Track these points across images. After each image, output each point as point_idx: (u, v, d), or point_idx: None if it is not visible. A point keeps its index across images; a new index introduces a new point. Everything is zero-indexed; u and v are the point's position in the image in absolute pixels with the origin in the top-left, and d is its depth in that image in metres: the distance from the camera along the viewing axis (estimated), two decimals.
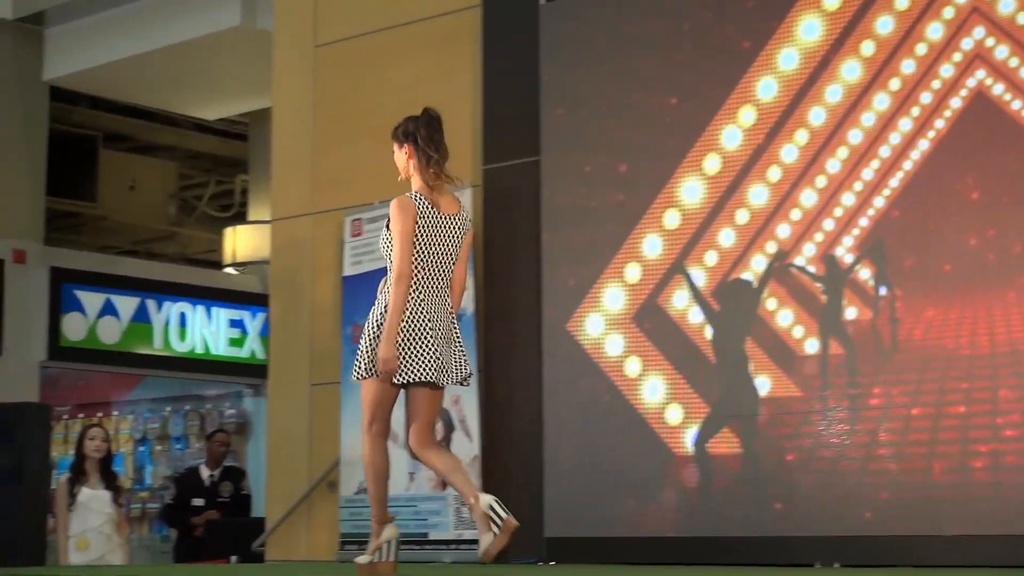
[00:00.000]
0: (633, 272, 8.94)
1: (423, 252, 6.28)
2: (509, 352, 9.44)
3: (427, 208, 6.33)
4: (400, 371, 6.23)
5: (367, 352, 6.32)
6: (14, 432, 8.20)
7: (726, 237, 8.63)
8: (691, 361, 8.65)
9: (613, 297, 8.98)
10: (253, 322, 16.61)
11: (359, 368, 6.36)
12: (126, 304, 15.62)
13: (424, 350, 6.24)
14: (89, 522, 9.59)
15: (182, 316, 16.10)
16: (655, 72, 9.02)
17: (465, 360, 6.44)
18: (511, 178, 9.58)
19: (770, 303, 8.44)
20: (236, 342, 16.50)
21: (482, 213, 9.60)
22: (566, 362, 9.09)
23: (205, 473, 12.52)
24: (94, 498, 9.61)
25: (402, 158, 6.51)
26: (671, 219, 8.84)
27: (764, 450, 8.35)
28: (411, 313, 6.22)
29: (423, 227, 6.29)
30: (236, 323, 16.56)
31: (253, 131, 17.54)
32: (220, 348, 16.38)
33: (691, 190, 8.78)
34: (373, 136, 10.41)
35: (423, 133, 6.45)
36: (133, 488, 17.30)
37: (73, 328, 15.21)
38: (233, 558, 10.89)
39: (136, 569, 8.45)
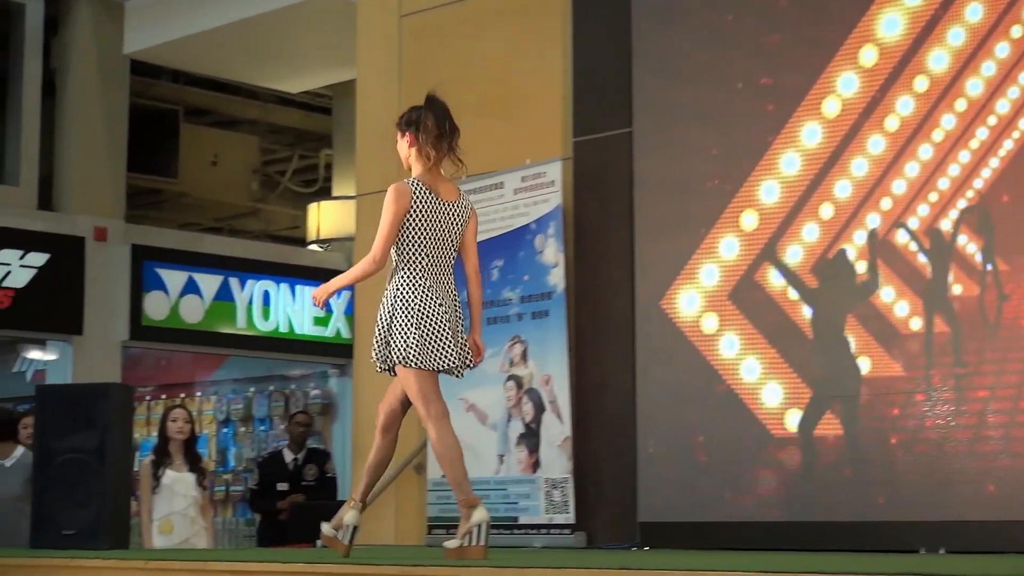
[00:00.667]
0: (729, 247, 8.92)
1: (424, 238, 6.43)
2: (600, 331, 9.46)
3: (426, 194, 6.47)
4: (433, 358, 6.36)
5: (383, 342, 6.42)
6: (96, 414, 8.29)
7: (826, 210, 8.59)
8: (790, 339, 8.63)
9: (708, 273, 8.98)
10: (338, 300, 16.70)
11: (380, 358, 6.45)
12: (209, 282, 15.78)
13: (443, 338, 6.37)
14: (173, 505, 9.71)
15: (265, 294, 16.25)
16: (752, 37, 8.99)
17: (468, 352, 6.53)
18: (602, 150, 9.58)
19: (872, 279, 8.40)
20: (321, 321, 16.62)
21: (572, 187, 9.62)
22: (660, 341, 9.10)
23: (289, 456, 12.61)
24: (178, 480, 9.72)
25: (403, 147, 6.67)
26: (769, 192, 8.82)
27: (866, 432, 8.32)
28: (422, 300, 6.36)
29: (423, 213, 6.44)
30: None
31: (337, 104, 17.66)
32: (304, 327, 16.51)
33: (790, 161, 8.75)
34: (459, 108, 10.38)
35: (425, 121, 6.59)
36: (217, 470, 17.50)
37: (155, 307, 15.39)
38: (318, 542, 10.99)
39: (221, 553, 8.57)
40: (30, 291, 14.47)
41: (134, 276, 15.19)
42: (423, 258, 6.42)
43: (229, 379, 18.18)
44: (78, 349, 14.91)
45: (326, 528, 6.74)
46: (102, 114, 15.38)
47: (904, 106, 8.39)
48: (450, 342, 6.40)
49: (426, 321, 6.36)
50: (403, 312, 6.38)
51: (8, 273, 14.37)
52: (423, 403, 6.45)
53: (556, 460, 9.28)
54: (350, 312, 16.03)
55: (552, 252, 9.50)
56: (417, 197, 6.44)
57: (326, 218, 16.80)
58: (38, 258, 14.57)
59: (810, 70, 8.69)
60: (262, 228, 19.72)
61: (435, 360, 6.39)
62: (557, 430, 9.28)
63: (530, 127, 10.00)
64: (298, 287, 16.49)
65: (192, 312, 15.66)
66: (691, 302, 9.03)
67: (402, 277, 6.43)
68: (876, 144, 8.46)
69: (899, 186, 8.35)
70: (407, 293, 6.40)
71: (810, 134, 8.69)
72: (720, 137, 9.01)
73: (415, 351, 6.35)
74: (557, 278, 9.44)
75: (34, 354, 16.05)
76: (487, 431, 9.69)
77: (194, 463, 9.89)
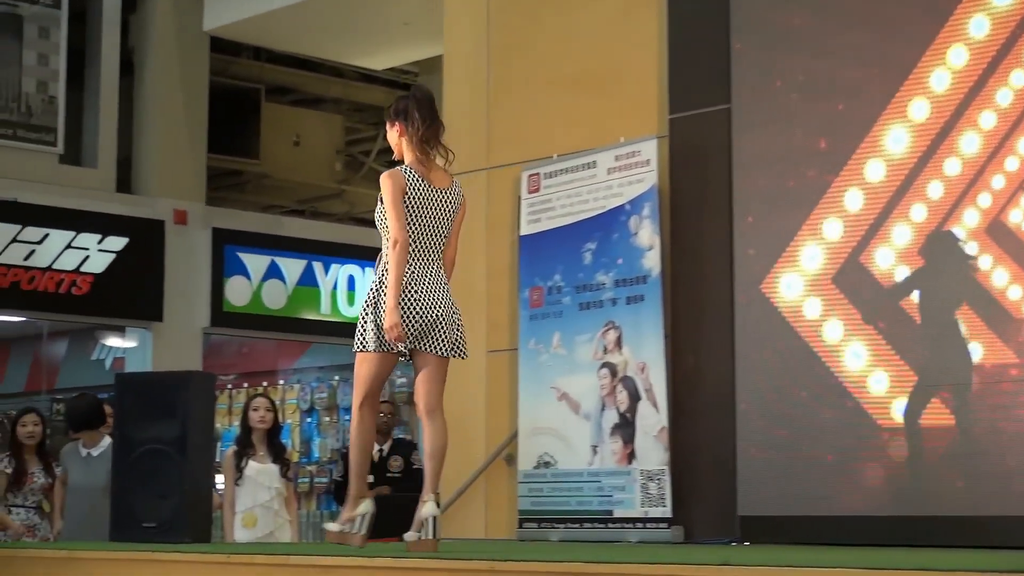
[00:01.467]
0: (833, 228, 8.88)
1: (414, 225, 6.78)
2: (698, 316, 9.45)
3: (418, 181, 6.81)
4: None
5: (371, 324, 6.78)
6: (176, 403, 8.38)
7: (935, 189, 8.53)
8: (897, 325, 8.58)
9: (811, 255, 8.94)
10: None
11: (363, 341, 6.83)
12: (292, 267, 15.91)
13: (411, 319, 6.74)
14: (257, 497, 9.79)
15: (350, 279, 16.36)
16: (857, 6, 8.93)
17: (461, 338, 6.99)
18: (700, 127, 9.55)
19: (984, 261, 8.33)
20: None
21: (668, 166, 9.60)
22: (760, 326, 9.07)
23: (374, 447, 12.69)
24: (262, 472, 9.80)
25: (394, 136, 6.99)
26: (875, 170, 8.76)
27: (977, 422, 8.26)
28: (406, 284, 6.73)
29: (414, 200, 6.79)
30: None
31: (423, 81, 17.71)
32: None
33: (896, 138, 8.69)
34: (552, 84, 10.47)
35: (414, 111, 6.92)
36: (300, 461, 17.62)
37: (237, 293, 15.55)
38: (409, 535, 11.05)
39: (305, 547, 8.66)
40: (109, 276, 14.67)
41: (215, 260, 15.35)
42: (412, 244, 6.77)
43: (313, 367, 18.30)
44: (158, 336, 15.10)
45: (332, 526, 7.13)
46: (181, 93, 15.55)
47: (1018, 79, 8.30)
48: (415, 325, 6.73)
49: (405, 307, 6.70)
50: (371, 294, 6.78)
51: (86, 258, 14.58)
52: (365, 389, 6.92)
53: (652, 451, 9.29)
54: None
55: (647, 234, 9.49)
56: (409, 184, 6.79)
57: None
58: (117, 242, 14.77)
59: (919, 41, 8.61)
60: (346, 210, 19.82)
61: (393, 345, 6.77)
62: (653, 419, 9.29)
63: (624, 104, 10.00)
64: None
65: (275, 297, 15.80)
66: (793, 286, 9.00)
67: (389, 262, 6.77)
68: (987, 120, 8.38)
69: (1012, 164, 8.26)
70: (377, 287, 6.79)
71: (918, 109, 8.62)
72: (823, 112, 8.96)
73: (373, 334, 6.75)
74: (652, 261, 9.43)
75: (113, 341, 16.28)
76: (580, 421, 9.71)
77: (277, 454, 9.96)
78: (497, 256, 10.58)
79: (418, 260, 6.78)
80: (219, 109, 16.28)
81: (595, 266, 9.77)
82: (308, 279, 16.05)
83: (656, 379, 9.31)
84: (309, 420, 18.03)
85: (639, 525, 9.29)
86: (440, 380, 7.02)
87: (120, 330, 15.63)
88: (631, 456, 9.40)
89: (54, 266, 14.48)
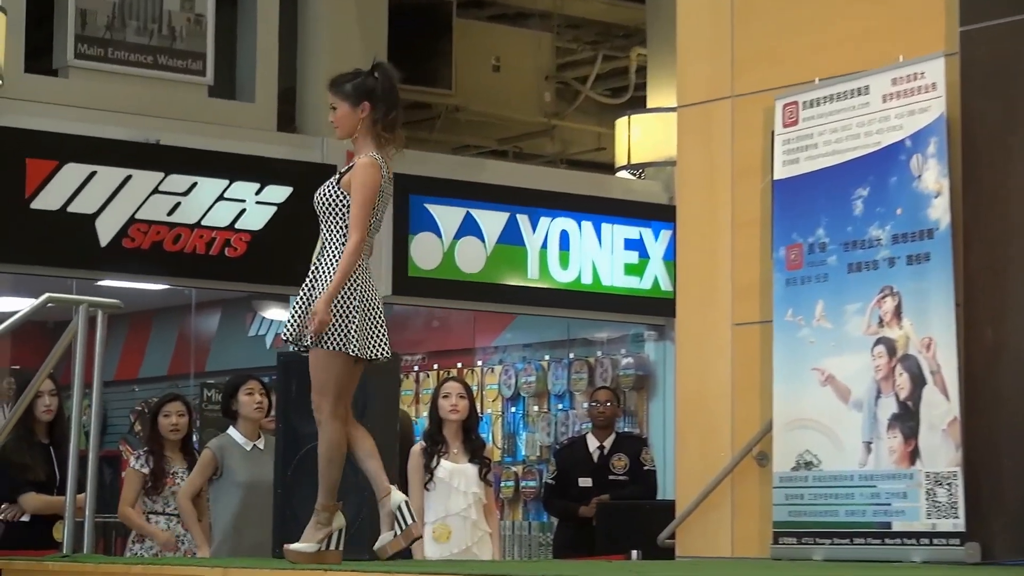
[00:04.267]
0: None
1: (372, 219, 7.80)
2: (1000, 278, 9.34)
3: (384, 171, 7.85)
4: (365, 345, 7.76)
5: (355, 323, 7.76)
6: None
7: None
8: None
9: None
10: (656, 243, 16.83)
11: (344, 340, 7.75)
12: (491, 221, 16.01)
13: (373, 323, 7.87)
14: (451, 505, 9.87)
15: (563, 236, 16.42)
16: None
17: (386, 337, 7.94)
18: (1000, 42, 9.42)
19: None
20: (634, 269, 16.75)
21: (959, 89, 9.48)
22: None
23: (593, 444, 12.74)
24: (456, 473, 9.88)
25: (353, 116, 7.99)
26: None
27: None
28: (363, 284, 7.78)
29: (381, 194, 7.82)
30: (634, 244, 16.80)
31: None
32: (613, 277, 16.66)
33: None
34: None
35: (381, 90, 7.97)
36: (503, 461, 17.78)
37: (424, 253, 15.70)
38: (633, 553, 11.11)
39: (509, 566, 8.75)
40: (269, 235, 14.88)
41: (397, 214, 15.49)
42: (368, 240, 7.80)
43: (517, 344, 18.44)
44: None
45: (305, 547, 7.82)
46: (355, 11, 15.74)
47: None
48: (382, 329, 7.87)
49: (365, 304, 7.76)
50: (345, 292, 7.71)
51: (242, 211, 14.80)
52: (336, 395, 7.74)
53: (941, 449, 9.21)
54: (670, 258, 16.11)
55: (933, 177, 9.40)
56: (384, 177, 7.84)
57: (639, 137, 16.84)
58: (278, 192, 14.97)
59: None
60: (558, 151, 19.94)
61: (370, 348, 7.81)
62: (942, 409, 9.21)
63: (902, 14, 9.90)
64: (605, 226, 16.62)
65: (471, 259, 15.92)
66: None
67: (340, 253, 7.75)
68: None
69: None
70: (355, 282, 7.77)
71: None
72: None
73: (356, 336, 7.70)
74: (940, 211, 9.34)
75: (274, 313, 16.59)
76: (849, 411, 9.66)
77: (475, 451, 10.05)
78: (744, 206, 10.55)
79: (366, 257, 7.80)
80: (402, 29, 16.43)
81: (867, 218, 9.70)
82: (511, 236, 16.14)
83: (945, 359, 9.22)
84: (513, 410, 18.18)
85: (924, 541, 9.22)
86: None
87: (283, 299, 15.86)
88: (914, 455, 9.34)
89: (203, 222, 14.72)
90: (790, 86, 10.27)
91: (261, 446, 10.07)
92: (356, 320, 7.67)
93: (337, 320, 7.64)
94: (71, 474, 8.97)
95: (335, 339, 7.68)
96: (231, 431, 10.16)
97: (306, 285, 7.82)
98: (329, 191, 7.83)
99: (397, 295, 15.57)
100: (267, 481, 9.49)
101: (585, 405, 16.33)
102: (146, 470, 10.32)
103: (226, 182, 14.78)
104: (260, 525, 9.52)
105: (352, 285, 7.69)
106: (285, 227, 14.82)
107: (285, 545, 7.88)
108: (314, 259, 7.85)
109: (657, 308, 16.49)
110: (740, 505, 10.40)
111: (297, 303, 7.81)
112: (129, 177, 14.37)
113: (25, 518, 10.15)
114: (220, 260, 14.75)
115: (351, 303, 7.68)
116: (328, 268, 7.72)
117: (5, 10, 12.69)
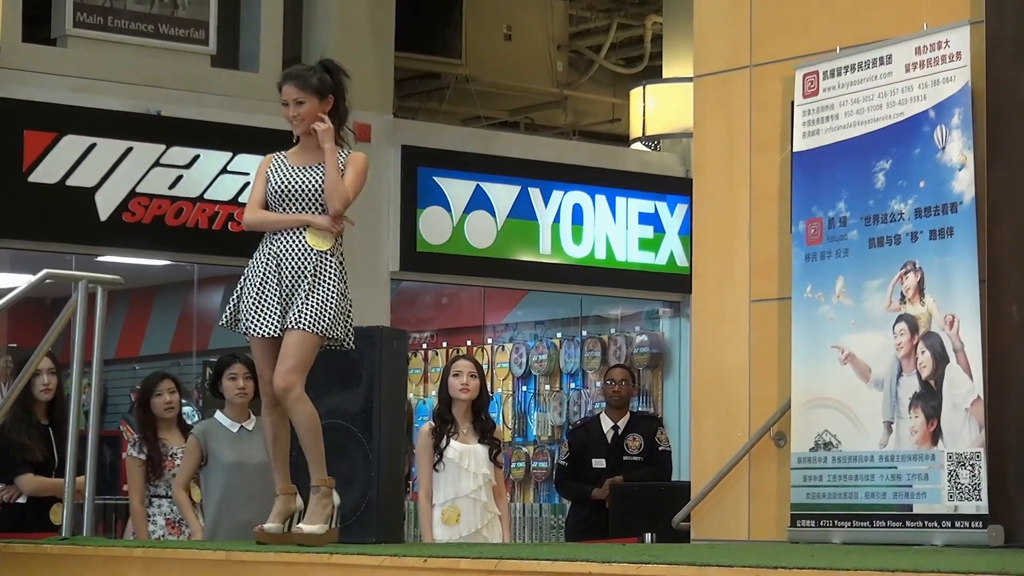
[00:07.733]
0: None
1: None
2: None
3: None
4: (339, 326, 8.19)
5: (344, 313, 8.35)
6: (359, 367, 8.47)
7: None
8: None
9: None
10: (671, 217, 16.83)
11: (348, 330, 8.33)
12: (502, 194, 16.01)
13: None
14: (460, 487, 9.89)
15: (576, 209, 16.43)
16: None
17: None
18: None
19: None
20: (649, 244, 16.75)
21: (986, 60, 9.47)
22: None
23: (607, 424, 12.74)
24: (466, 454, 9.90)
25: (316, 111, 8.35)
26: None
27: None
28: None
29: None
30: (648, 218, 16.80)
31: None
32: (628, 252, 16.66)
33: None
34: None
35: (340, 85, 8.38)
36: (514, 441, 17.79)
37: (433, 227, 15.70)
38: (647, 536, 11.11)
39: (520, 549, 8.77)
40: None
41: (405, 187, 15.51)
42: None
43: (529, 321, 18.44)
44: None
45: (315, 529, 7.98)
46: None
47: None
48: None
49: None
50: (344, 284, 8.29)
51: (246, 185, 14.79)
52: (306, 371, 8.01)
53: (964, 429, 9.21)
54: (686, 232, 16.10)
55: (957, 149, 9.39)
56: None
57: (655, 107, 16.84)
58: None
59: None
60: (571, 122, 19.91)
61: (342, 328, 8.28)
62: (965, 388, 9.21)
63: None
64: (619, 199, 16.62)
65: (481, 234, 15.92)
66: None
67: (336, 246, 8.35)
68: None
69: None
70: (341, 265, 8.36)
71: None
72: None
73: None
74: (964, 184, 9.33)
75: None
76: (870, 391, 9.66)
77: (485, 432, 10.06)
78: (763, 178, 10.55)
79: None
80: None
81: (889, 191, 9.70)
82: (523, 210, 16.14)
83: (969, 336, 9.22)
84: (524, 389, 18.18)
85: (946, 524, 9.23)
86: None
87: None
88: (936, 435, 9.34)
89: (206, 196, 14.74)
90: (810, 55, 10.26)
91: (250, 427, 10.06)
92: (345, 304, 8.34)
93: (345, 309, 8.27)
94: (70, 455, 8.98)
95: (341, 327, 8.23)
96: (218, 414, 10.20)
97: (309, 278, 8.24)
98: (319, 180, 8.60)
99: (405, 271, 15.59)
100: (254, 462, 9.64)
101: (599, 384, 16.32)
102: (143, 456, 10.32)
103: (229, 155, 14.80)
104: (247, 506, 9.66)
105: (344, 278, 8.35)
106: None
107: (295, 526, 7.96)
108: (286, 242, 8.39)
109: (673, 284, 16.49)
110: (757, 487, 10.41)
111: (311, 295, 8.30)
112: (130, 149, 14.38)
113: (21, 500, 10.16)
114: (223, 235, 14.76)
115: (344, 293, 8.32)
116: (330, 257, 8.31)
117: None
